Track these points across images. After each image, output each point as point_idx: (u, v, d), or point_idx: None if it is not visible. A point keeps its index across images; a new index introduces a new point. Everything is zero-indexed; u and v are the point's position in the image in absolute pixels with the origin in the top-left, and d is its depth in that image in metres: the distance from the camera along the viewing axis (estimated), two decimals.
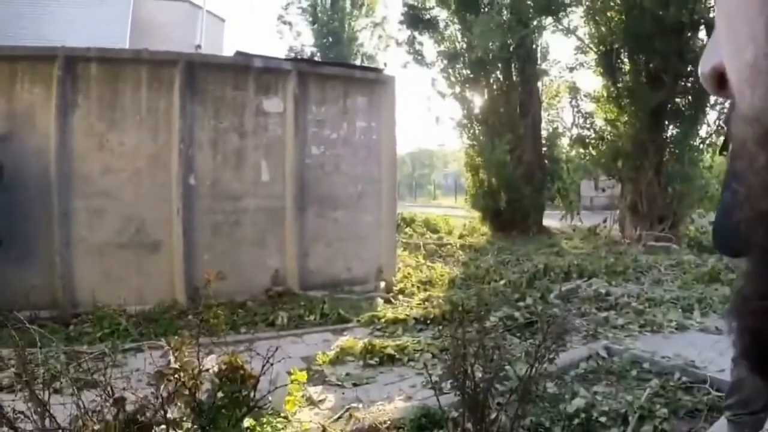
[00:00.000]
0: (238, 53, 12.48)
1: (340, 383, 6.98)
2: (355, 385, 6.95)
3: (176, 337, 3.83)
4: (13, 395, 4.14)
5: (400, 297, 11.60)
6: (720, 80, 0.62)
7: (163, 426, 3.58)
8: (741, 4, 0.54)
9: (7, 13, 24.10)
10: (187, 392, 3.58)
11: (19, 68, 9.74)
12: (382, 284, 12.16)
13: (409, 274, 13.53)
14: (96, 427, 3.43)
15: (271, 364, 3.92)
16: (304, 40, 40.16)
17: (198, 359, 3.73)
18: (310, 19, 37.68)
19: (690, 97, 19.71)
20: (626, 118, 20.94)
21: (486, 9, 23.24)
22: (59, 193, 9.72)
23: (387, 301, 11.18)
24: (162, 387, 3.54)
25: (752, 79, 0.52)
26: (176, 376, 3.56)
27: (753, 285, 0.55)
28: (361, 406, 6.10)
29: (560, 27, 22.98)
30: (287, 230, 11.46)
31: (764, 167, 0.51)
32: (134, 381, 3.95)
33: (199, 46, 29.06)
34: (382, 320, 9.66)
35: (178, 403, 3.59)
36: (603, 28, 21.12)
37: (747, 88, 0.53)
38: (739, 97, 0.55)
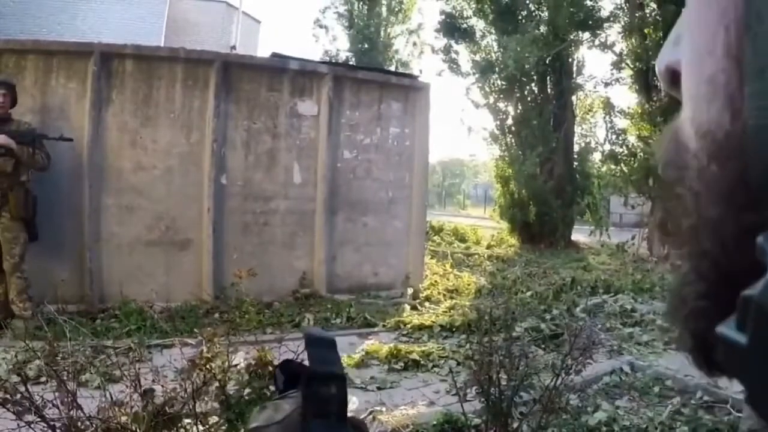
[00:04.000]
0: (275, 55, 12.52)
1: (364, 386, 6.99)
2: (379, 388, 6.97)
3: (209, 329, 3.85)
4: (40, 386, 4.18)
5: (427, 304, 11.59)
6: (674, 78, 0.63)
7: (190, 420, 3.60)
8: (702, 15, 0.55)
9: (44, 8, 24.25)
10: (216, 384, 3.60)
11: (54, 63, 9.81)
12: (409, 290, 12.16)
13: (436, 281, 13.51)
14: (123, 419, 3.45)
15: (301, 361, 3.93)
16: (339, 44, 40.25)
17: (227, 354, 3.76)
18: (346, 24, 37.57)
19: None
20: (659, 136, 20.85)
21: (523, 21, 23.22)
22: (91, 188, 9.76)
23: (413, 307, 11.16)
24: (194, 376, 3.56)
25: (709, 94, 0.54)
26: (207, 366, 3.58)
27: (692, 286, 0.57)
28: (384, 409, 6.12)
29: (597, 42, 22.91)
30: (316, 233, 11.48)
31: (713, 178, 0.53)
32: (160, 376, 3.96)
33: (234, 47, 29.13)
34: (408, 326, 9.65)
35: (205, 398, 3.61)
36: (640, 45, 21.04)
37: (704, 102, 0.54)
38: (695, 108, 0.56)
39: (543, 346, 8.59)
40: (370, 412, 6.01)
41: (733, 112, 0.51)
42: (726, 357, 0.47)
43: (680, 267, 0.60)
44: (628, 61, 22.03)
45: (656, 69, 0.67)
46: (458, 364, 7.55)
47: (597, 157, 24.85)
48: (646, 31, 20.85)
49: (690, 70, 0.58)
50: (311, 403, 1.16)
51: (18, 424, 3.34)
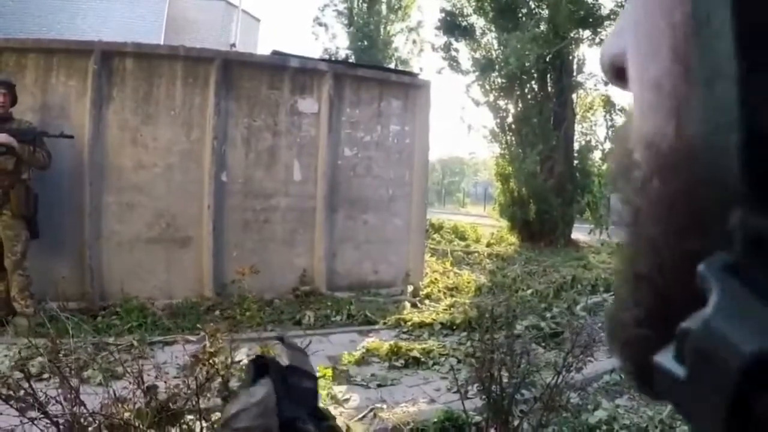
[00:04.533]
0: (275, 53, 12.53)
1: (364, 383, 7.01)
2: (379, 385, 6.98)
3: (211, 324, 3.87)
4: (42, 383, 4.19)
5: (427, 302, 11.62)
6: (619, 73, 0.59)
7: (193, 416, 3.61)
8: (647, 11, 0.52)
9: (44, 7, 24.27)
10: (219, 380, 3.61)
11: (55, 61, 9.82)
12: (409, 288, 12.17)
13: (436, 279, 13.51)
14: (127, 415, 3.47)
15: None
16: (339, 42, 40.31)
17: (230, 350, 3.77)
18: (346, 21, 37.61)
19: None
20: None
21: (523, 18, 23.20)
22: (91, 186, 9.78)
23: (413, 305, 11.20)
24: (197, 371, 3.58)
25: (653, 100, 0.50)
26: (210, 362, 3.59)
27: (630, 312, 0.54)
28: (385, 406, 6.14)
29: (597, 40, 22.88)
30: (317, 230, 11.49)
31: (655, 193, 0.50)
32: (162, 372, 3.98)
33: (233, 45, 29.11)
34: (408, 323, 9.68)
35: (208, 394, 3.62)
36: None
37: (648, 109, 0.51)
38: (639, 114, 0.53)
39: (543, 344, 8.60)
40: (371, 409, 6.03)
41: (679, 123, 0.48)
42: (664, 387, 0.47)
43: (619, 290, 0.57)
44: None
45: (599, 62, 0.64)
46: (459, 361, 7.56)
47: (597, 155, 24.84)
48: None
49: (634, 73, 0.55)
50: (286, 390, 1.21)
51: (21, 420, 3.36)
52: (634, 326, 0.54)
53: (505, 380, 4.81)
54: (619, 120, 23.24)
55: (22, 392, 3.36)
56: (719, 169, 0.44)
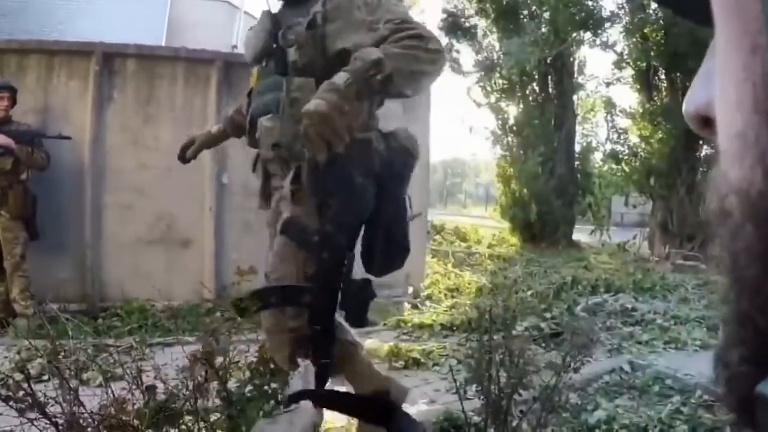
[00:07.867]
0: None
1: None
2: None
3: (209, 326, 3.88)
4: (42, 384, 4.20)
5: (427, 303, 11.58)
6: (705, 123, 0.62)
7: (191, 417, 3.63)
8: (729, 68, 0.53)
9: (44, 7, 24.24)
10: (218, 381, 3.62)
11: (56, 62, 9.84)
12: (410, 289, 12.13)
13: (436, 280, 13.46)
14: (125, 418, 3.48)
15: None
16: None
17: (228, 350, 3.78)
18: None
19: None
20: (660, 136, 20.73)
21: (525, 20, 23.20)
22: (92, 187, 9.78)
23: (414, 306, 11.17)
24: (196, 371, 3.59)
25: (740, 150, 0.52)
26: (208, 363, 3.61)
27: (735, 350, 0.56)
28: None
29: (598, 42, 22.88)
30: None
31: (748, 237, 0.51)
32: (162, 374, 3.98)
33: (235, 46, 29.06)
34: (409, 324, 9.66)
35: (207, 395, 3.64)
36: (640, 45, 21.06)
37: (735, 158, 0.53)
38: (727, 162, 0.54)
39: (543, 344, 8.58)
40: None
41: (765, 170, 0.50)
42: (764, 414, 0.49)
43: (724, 331, 0.59)
44: (630, 61, 22.05)
45: (684, 111, 0.67)
46: (458, 362, 7.55)
47: (598, 156, 24.90)
48: (646, 30, 20.86)
49: (721, 123, 0.57)
50: None
51: (21, 421, 3.37)
52: (738, 364, 0.56)
53: (503, 380, 4.82)
54: (620, 121, 23.28)
55: (21, 393, 3.38)
56: None
